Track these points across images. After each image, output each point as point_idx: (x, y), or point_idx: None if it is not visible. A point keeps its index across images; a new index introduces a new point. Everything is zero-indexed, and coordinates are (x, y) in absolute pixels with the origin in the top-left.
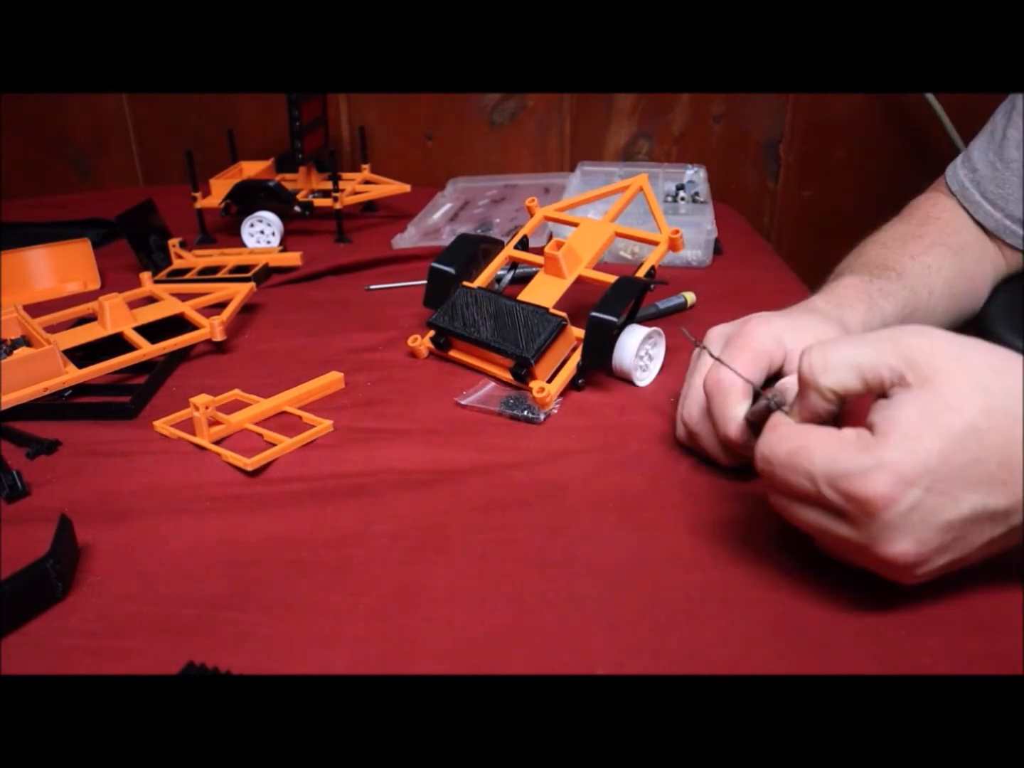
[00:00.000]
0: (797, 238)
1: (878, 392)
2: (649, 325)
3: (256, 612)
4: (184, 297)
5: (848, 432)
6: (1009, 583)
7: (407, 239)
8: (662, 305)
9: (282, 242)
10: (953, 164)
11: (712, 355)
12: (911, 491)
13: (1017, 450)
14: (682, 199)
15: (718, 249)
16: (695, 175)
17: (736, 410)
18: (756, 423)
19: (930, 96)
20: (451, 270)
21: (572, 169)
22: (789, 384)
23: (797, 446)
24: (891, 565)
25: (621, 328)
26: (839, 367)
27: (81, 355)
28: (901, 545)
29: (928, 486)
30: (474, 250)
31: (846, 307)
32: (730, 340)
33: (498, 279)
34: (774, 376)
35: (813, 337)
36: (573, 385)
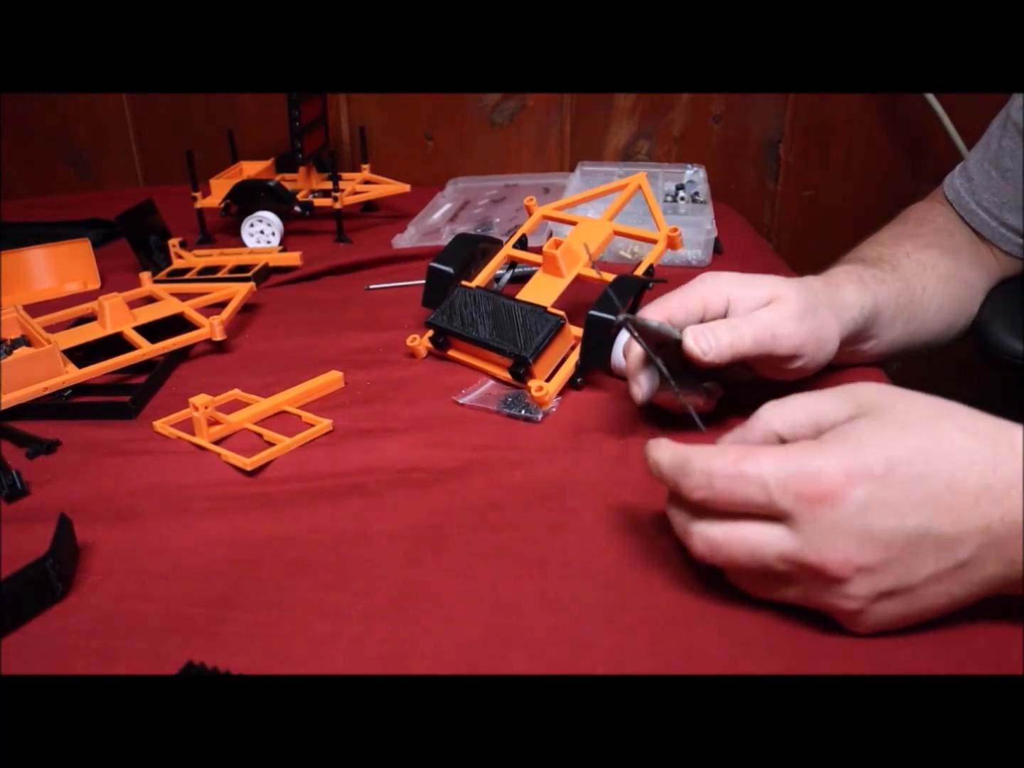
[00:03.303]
0: (797, 238)
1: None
2: None
3: (256, 612)
4: (184, 297)
5: (790, 444)
6: None
7: (407, 239)
8: None
9: (282, 242)
10: (951, 174)
11: (622, 314)
12: (856, 490)
13: (967, 478)
14: (682, 199)
15: (718, 249)
16: (695, 175)
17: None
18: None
19: (930, 96)
20: (449, 270)
21: (572, 169)
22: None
23: (742, 454)
24: (831, 576)
25: (620, 327)
26: (798, 423)
27: (81, 355)
28: (842, 549)
29: (872, 491)
30: (473, 250)
31: (834, 285)
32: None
33: (497, 278)
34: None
35: (766, 289)
36: (572, 384)
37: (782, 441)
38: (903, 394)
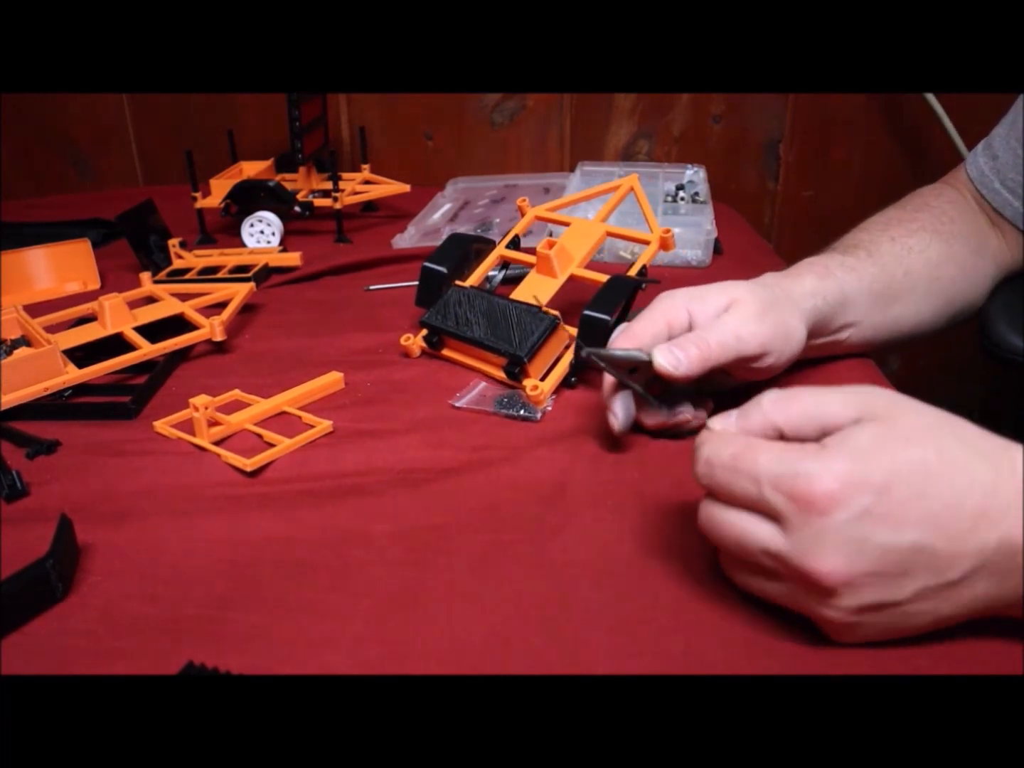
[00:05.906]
0: (797, 238)
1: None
2: None
3: (256, 612)
4: (184, 297)
5: (792, 443)
6: None
7: (407, 239)
8: None
9: (282, 242)
10: (974, 152)
11: (584, 347)
12: (855, 499)
13: (966, 500)
14: (682, 199)
15: (718, 249)
16: (695, 175)
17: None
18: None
19: (930, 96)
20: (443, 269)
21: (572, 169)
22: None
23: (742, 448)
24: (817, 584)
25: (614, 326)
26: (800, 416)
27: (81, 355)
28: (832, 559)
29: (871, 504)
30: (466, 250)
31: (792, 277)
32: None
33: (489, 279)
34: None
35: (723, 296)
36: (566, 383)
37: (782, 435)
38: (910, 404)
